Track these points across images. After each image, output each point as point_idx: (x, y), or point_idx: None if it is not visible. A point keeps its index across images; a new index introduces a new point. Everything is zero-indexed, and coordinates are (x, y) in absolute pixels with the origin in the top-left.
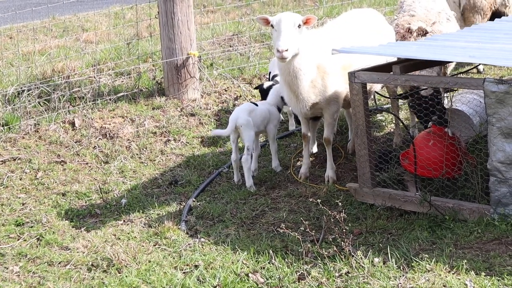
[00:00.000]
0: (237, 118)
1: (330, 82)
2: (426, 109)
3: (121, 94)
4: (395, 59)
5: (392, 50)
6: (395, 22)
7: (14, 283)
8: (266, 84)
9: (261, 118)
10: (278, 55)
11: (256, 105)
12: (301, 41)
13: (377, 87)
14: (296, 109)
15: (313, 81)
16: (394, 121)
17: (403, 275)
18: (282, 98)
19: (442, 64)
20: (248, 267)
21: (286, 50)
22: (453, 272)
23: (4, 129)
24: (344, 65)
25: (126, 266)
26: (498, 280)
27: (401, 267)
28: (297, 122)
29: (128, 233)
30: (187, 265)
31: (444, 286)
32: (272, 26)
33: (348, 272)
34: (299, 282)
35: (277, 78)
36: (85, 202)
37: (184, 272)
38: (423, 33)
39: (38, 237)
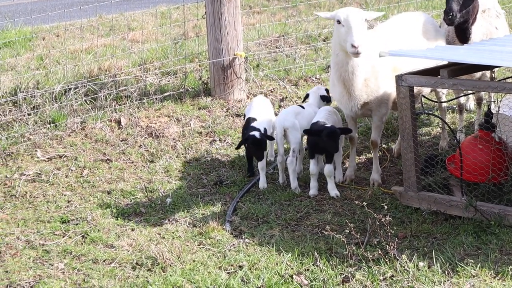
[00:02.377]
0: (284, 121)
1: (382, 83)
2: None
3: (167, 93)
4: (444, 63)
5: (440, 54)
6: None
7: (58, 279)
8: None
9: (307, 121)
10: (352, 51)
11: (303, 107)
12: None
13: (425, 90)
14: (346, 107)
15: (366, 79)
16: (440, 125)
17: (448, 280)
18: (321, 97)
19: (490, 68)
20: (292, 268)
21: (361, 45)
22: (498, 278)
23: (50, 126)
24: (395, 66)
25: (170, 265)
26: None
27: (446, 272)
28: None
29: (173, 232)
30: (231, 265)
31: None
32: (338, 21)
33: (393, 276)
34: (343, 284)
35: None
36: (130, 201)
37: (228, 273)
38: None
39: (83, 234)
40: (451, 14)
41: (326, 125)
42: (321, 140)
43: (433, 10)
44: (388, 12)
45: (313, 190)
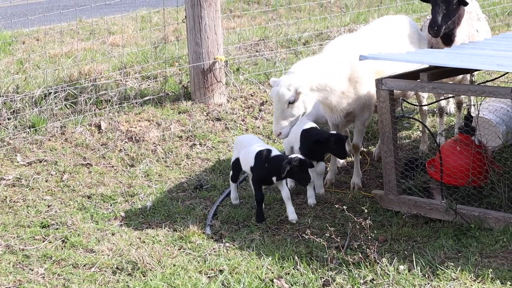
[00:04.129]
0: (294, 140)
1: (363, 89)
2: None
3: (147, 97)
4: (425, 66)
5: (420, 57)
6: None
7: (39, 284)
8: None
9: None
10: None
11: None
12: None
13: (409, 94)
14: (330, 118)
15: (344, 92)
16: (420, 129)
17: (428, 283)
18: None
19: (470, 72)
20: (272, 272)
21: (281, 134)
22: (478, 281)
23: (30, 131)
24: (377, 70)
25: (150, 270)
26: None
27: (426, 275)
28: None
29: (153, 237)
30: (211, 269)
31: None
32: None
33: (373, 279)
34: None
35: None
36: (111, 205)
37: (208, 277)
38: None
39: (63, 239)
40: (435, 27)
41: (332, 132)
42: (329, 147)
43: (413, 13)
44: (368, 15)
45: (311, 199)
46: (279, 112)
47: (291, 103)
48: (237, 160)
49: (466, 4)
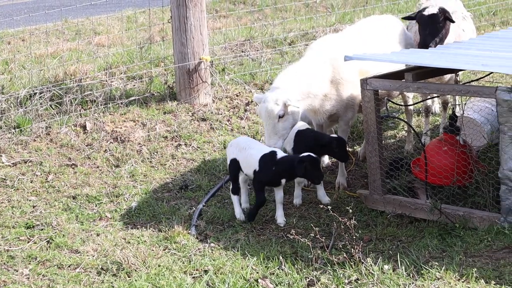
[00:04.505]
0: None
1: (346, 91)
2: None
3: (133, 98)
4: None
5: (405, 58)
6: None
7: (23, 285)
8: None
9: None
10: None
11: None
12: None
13: (394, 94)
14: (314, 119)
15: (327, 94)
16: (405, 128)
17: (412, 283)
18: None
19: (454, 72)
20: (257, 272)
21: (275, 144)
22: (462, 280)
23: (15, 131)
24: (361, 70)
25: (135, 270)
26: None
27: (411, 275)
28: None
29: (138, 237)
30: (196, 270)
31: None
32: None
33: (358, 279)
34: None
35: None
36: (96, 206)
37: (193, 277)
38: None
39: (48, 240)
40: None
41: (333, 136)
42: (331, 150)
43: (398, 13)
44: (353, 15)
45: (297, 199)
46: (271, 127)
47: (281, 117)
48: (235, 162)
49: (452, 21)
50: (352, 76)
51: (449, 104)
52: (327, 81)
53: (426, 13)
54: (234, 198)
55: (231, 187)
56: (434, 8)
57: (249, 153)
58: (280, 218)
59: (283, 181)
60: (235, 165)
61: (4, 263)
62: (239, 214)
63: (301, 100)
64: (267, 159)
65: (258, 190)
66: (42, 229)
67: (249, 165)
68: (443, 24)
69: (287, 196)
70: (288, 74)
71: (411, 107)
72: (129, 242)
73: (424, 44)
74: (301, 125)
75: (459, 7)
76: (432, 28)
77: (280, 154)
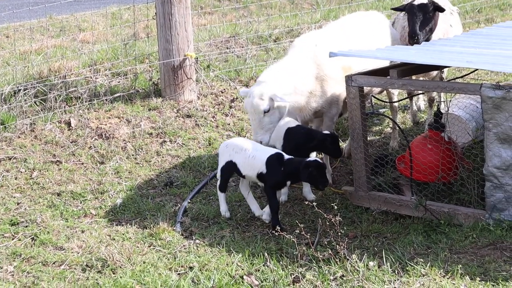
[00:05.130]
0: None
1: (330, 87)
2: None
3: (118, 94)
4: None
5: (390, 54)
6: (401, 14)
7: (8, 282)
8: None
9: None
10: None
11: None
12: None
13: (376, 90)
14: (299, 116)
15: (312, 91)
16: (390, 125)
17: (398, 279)
18: None
19: (439, 68)
20: (242, 269)
21: (263, 140)
22: (448, 276)
23: (0, 128)
24: (344, 66)
25: (120, 267)
26: (493, 285)
27: (396, 271)
28: None
29: (123, 234)
30: (181, 266)
31: None
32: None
33: (343, 276)
34: (293, 285)
35: None
36: (80, 202)
37: (178, 274)
38: None
39: (32, 236)
40: (416, 37)
41: (326, 132)
42: (325, 147)
43: (384, 10)
44: (339, 12)
45: (283, 196)
46: (257, 122)
47: (266, 112)
48: (230, 163)
49: (442, 10)
50: (335, 72)
51: (435, 101)
52: (312, 78)
53: (416, 2)
54: (221, 195)
55: (218, 183)
56: None
57: (252, 155)
58: (266, 215)
59: (288, 183)
60: (230, 167)
61: None
62: (224, 211)
63: (287, 96)
64: (275, 161)
65: (270, 196)
66: (26, 226)
67: (253, 167)
68: (432, 14)
69: None
70: (274, 70)
71: (395, 104)
72: (114, 239)
73: (413, 33)
74: (291, 122)
75: (446, 2)
76: (421, 18)
77: (286, 156)
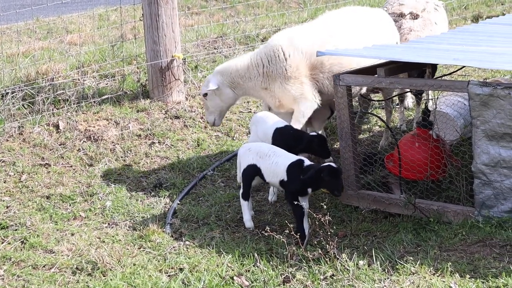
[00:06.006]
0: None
1: (287, 84)
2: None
3: (106, 96)
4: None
5: (377, 53)
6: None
7: None
8: None
9: None
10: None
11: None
12: None
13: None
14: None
15: (267, 88)
16: (378, 123)
17: (388, 278)
18: None
19: (427, 66)
20: (233, 270)
21: (211, 123)
22: (437, 274)
23: None
24: (313, 63)
25: (110, 269)
26: (483, 282)
27: (386, 270)
28: None
29: (113, 236)
30: (172, 268)
31: None
32: None
33: (333, 275)
34: (284, 285)
35: None
36: (70, 205)
37: (169, 275)
38: (414, 17)
39: (22, 240)
40: None
41: (313, 133)
42: (312, 148)
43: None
44: (326, 11)
45: (273, 196)
46: (203, 104)
47: (204, 96)
48: (253, 168)
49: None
50: (294, 70)
51: (423, 99)
52: (264, 74)
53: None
54: (244, 204)
55: (241, 191)
56: None
57: (275, 161)
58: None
59: (309, 190)
60: (252, 171)
61: None
62: (248, 221)
63: (234, 87)
64: (294, 168)
65: (293, 204)
66: (16, 230)
67: (275, 174)
68: None
69: (262, 192)
70: (229, 61)
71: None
72: (103, 241)
73: None
74: (280, 122)
75: None
76: None
77: (307, 162)
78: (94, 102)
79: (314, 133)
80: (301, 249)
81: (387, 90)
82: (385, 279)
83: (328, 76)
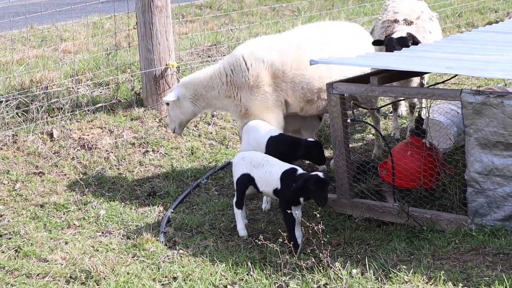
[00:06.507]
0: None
1: (250, 94)
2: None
3: (100, 105)
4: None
5: (370, 61)
6: (380, 21)
7: None
8: None
9: None
10: None
11: None
12: None
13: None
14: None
15: (230, 96)
16: (372, 132)
17: (381, 286)
18: None
19: (420, 75)
20: (226, 278)
21: (173, 131)
22: (431, 283)
23: None
24: (275, 72)
25: (104, 278)
26: None
27: (379, 279)
28: None
29: (107, 245)
30: (165, 277)
31: None
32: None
33: (327, 284)
34: None
35: None
36: (64, 214)
37: (162, 284)
38: (408, 23)
39: (16, 249)
40: None
41: (310, 140)
42: (309, 155)
43: (365, 16)
44: (320, 19)
45: (266, 204)
46: (166, 110)
47: (167, 104)
48: (247, 177)
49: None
50: (256, 79)
51: (416, 107)
52: (224, 82)
53: (394, 36)
54: (238, 212)
55: (235, 200)
56: (403, 32)
57: (269, 170)
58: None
59: (301, 199)
60: (246, 180)
61: None
62: (242, 230)
63: (195, 99)
64: (287, 176)
65: (285, 213)
66: (10, 238)
67: (269, 183)
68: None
69: (255, 201)
70: (193, 74)
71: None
72: (97, 250)
73: None
74: (273, 130)
75: (425, 8)
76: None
77: (300, 171)
78: (88, 110)
79: (311, 139)
80: (294, 258)
81: (368, 100)
82: (379, 287)
83: (291, 86)
